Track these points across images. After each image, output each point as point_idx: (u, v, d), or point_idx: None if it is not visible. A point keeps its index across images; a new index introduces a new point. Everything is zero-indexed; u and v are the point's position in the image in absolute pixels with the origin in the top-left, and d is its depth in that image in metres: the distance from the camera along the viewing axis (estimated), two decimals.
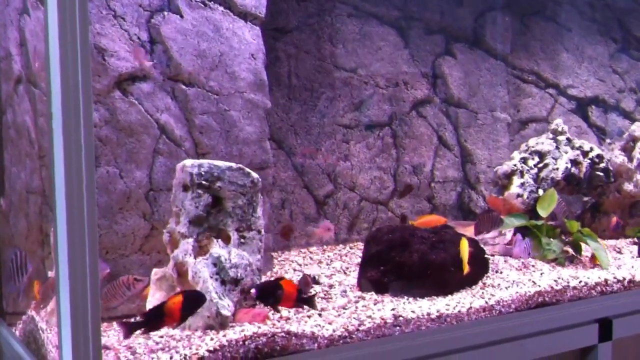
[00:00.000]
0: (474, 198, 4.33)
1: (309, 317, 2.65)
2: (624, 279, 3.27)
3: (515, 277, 3.18)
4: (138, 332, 2.33)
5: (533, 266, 3.41)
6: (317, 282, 3.11)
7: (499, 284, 3.11)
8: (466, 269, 3.00)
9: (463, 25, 4.35)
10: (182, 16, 2.95)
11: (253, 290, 2.65)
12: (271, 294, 2.60)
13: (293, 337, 2.43)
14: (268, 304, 2.65)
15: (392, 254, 3.04)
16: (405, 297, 2.91)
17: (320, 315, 2.68)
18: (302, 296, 2.69)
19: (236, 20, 3.07)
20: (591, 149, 4.13)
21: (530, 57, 4.57)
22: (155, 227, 2.85)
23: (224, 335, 2.41)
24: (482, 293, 2.98)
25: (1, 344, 2.93)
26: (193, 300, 2.39)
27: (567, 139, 4.14)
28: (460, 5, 4.33)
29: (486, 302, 2.87)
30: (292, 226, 3.37)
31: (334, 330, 2.52)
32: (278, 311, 2.69)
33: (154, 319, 2.31)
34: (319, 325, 2.56)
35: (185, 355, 2.25)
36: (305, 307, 2.70)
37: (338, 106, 3.94)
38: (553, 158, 4.04)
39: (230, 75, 3.03)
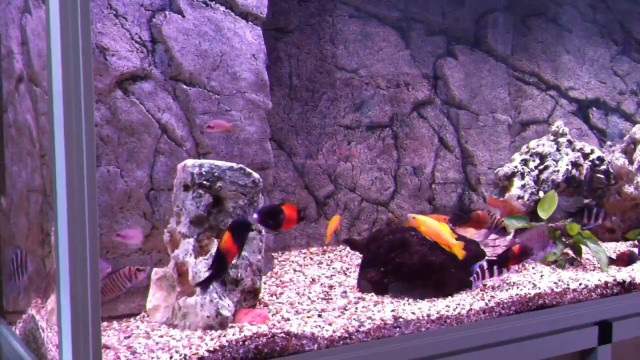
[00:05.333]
0: (474, 199, 4.32)
1: (309, 317, 2.65)
2: (624, 281, 3.27)
3: (515, 279, 3.18)
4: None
5: (533, 268, 3.41)
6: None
7: (499, 286, 3.10)
8: (461, 254, 2.95)
9: (464, 27, 4.35)
10: (183, 16, 2.95)
11: (255, 215, 2.60)
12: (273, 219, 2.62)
13: (293, 338, 2.43)
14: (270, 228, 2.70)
15: (392, 255, 3.04)
16: (405, 299, 2.91)
17: (320, 316, 2.68)
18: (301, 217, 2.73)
19: (237, 20, 3.07)
20: (592, 151, 4.13)
21: (532, 59, 4.57)
22: (156, 227, 2.85)
23: (224, 336, 2.41)
24: (482, 295, 2.98)
25: (1, 343, 2.93)
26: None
27: (568, 141, 4.14)
28: (461, 6, 4.33)
29: (486, 304, 2.87)
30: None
31: (334, 331, 2.52)
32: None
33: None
34: (319, 326, 2.55)
35: (185, 355, 2.25)
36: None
37: (339, 107, 3.94)
38: (554, 160, 4.04)
39: (232, 75, 3.03)
